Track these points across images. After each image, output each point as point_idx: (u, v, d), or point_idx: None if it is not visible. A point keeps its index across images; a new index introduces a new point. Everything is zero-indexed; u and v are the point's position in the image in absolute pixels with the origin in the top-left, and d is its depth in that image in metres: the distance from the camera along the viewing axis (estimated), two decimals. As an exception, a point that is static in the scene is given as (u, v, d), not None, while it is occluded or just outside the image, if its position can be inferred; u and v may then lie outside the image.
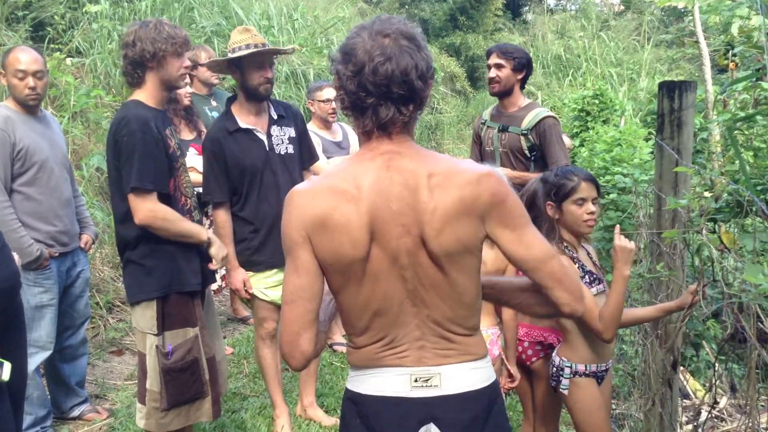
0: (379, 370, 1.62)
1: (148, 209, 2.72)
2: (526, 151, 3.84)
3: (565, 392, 2.60)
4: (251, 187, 3.41)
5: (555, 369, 2.64)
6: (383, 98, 1.51)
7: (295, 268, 1.58)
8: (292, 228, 1.56)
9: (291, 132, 3.57)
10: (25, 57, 3.39)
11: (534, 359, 2.93)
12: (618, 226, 2.54)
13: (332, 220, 1.52)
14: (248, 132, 3.42)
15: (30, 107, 3.45)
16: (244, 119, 3.43)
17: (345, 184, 1.55)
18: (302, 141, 3.62)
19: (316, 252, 1.56)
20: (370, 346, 1.63)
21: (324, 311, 1.69)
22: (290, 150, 3.53)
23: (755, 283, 1.59)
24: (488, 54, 3.96)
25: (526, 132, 3.83)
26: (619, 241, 2.43)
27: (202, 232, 2.92)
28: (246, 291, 3.47)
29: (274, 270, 3.47)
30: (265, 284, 3.50)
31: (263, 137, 3.45)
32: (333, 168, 1.66)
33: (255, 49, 3.32)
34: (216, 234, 3.34)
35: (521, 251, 1.56)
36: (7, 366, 2.28)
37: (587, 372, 2.57)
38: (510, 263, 1.60)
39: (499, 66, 3.87)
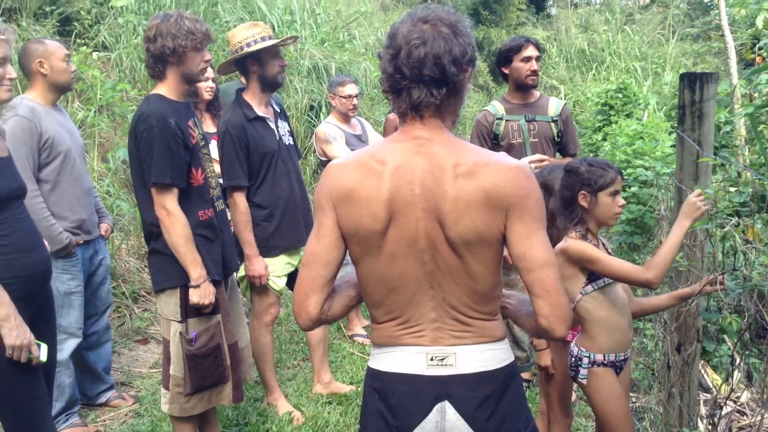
0: (397, 348, 1.67)
1: (163, 207, 2.76)
2: (556, 138, 3.90)
3: (584, 382, 2.62)
4: (267, 172, 3.52)
5: (573, 359, 2.66)
6: (416, 80, 1.57)
7: (317, 233, 1.67)
8: (322, 196, 1.66)
9: (287, 126, 3.78)
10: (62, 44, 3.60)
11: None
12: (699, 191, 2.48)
13: (356, 193, 1.60)
14: (263, 120, 3.57)
15: (65, 91, 3.65)
16: (257, 108, 3.55)
17: (372, 160, 1.62)
18: (293, 135, 3.83)
19: (340, 222, 1.63)
20: (388, 323, 1.68)
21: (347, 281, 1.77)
22: (290, 142, 3.74)
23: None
24: (522, 45, 3.86)
25: (556, 119, 3.90)
26: (693, 196, 2.42)
27: (197, 268, 2.80)
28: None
29: (285, 255, 3.61)
30: (276, 272, 3.59)
31: (274, 127, 3.61)
32: (369, 146, 1.72)
33: (275, 41, 3.48)
34: (239, 220, 3.45)
35: (524, 247, 1.57)
36: (44, 347, 2.35)
37: (605, 362, 2.59)
38: (510, 258, 1.61)
39: (538, 58, 3.90)
